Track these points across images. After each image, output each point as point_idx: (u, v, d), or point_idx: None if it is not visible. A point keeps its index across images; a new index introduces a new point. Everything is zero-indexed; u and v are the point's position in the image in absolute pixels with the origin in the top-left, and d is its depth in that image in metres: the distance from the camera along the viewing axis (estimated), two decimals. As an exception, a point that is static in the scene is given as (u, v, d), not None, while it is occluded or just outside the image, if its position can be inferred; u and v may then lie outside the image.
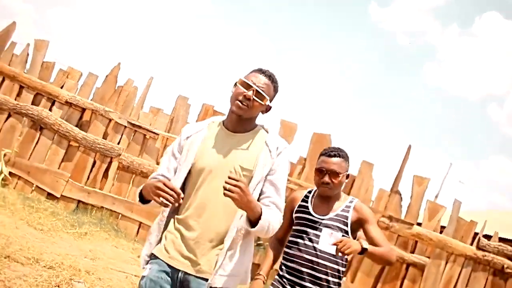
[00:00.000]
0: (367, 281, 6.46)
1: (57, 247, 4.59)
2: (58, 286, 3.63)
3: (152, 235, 2.03)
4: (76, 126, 6.44)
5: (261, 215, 1.81)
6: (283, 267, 2.31)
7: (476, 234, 6.73)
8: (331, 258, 2.20)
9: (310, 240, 2.22)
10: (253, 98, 1.91)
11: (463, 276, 6.55)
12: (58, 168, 6.31)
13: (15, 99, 6.44)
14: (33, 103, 6.43)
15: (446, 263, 6.55)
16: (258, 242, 6.30)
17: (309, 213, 2.30)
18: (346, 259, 2.26)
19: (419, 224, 6.62)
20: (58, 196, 6.19)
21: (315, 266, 2.19)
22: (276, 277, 2.31)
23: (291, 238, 2.32)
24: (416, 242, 6.58)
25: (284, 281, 2.26)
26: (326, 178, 2.26)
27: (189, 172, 1.97)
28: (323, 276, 2.18)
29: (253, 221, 1.82)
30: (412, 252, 6.55)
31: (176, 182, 1.93)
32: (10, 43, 6.72)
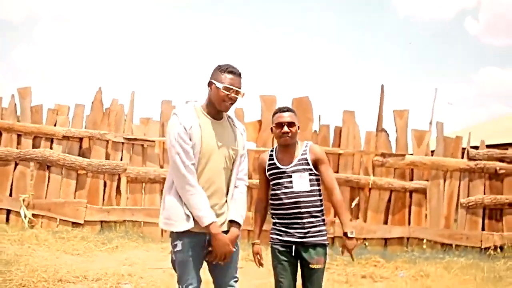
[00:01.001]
0: (378, 217, 6.97)
1: (97, 263, 5.13)
2: (109, 292, 4.17)
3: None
4: (79, 155, 6.93)
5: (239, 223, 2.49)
6: (274, 216, 2.85)
7: (463, 149, 7.22)
8: (308, 193, 2.73)
9: (286, 187, 2.75)
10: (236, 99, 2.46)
11: (462, 188, 7.09)
12: (74, 198, 6.84)
13: (17, 148, 6.94)
14: (34, 147, 6.93)
15: (444, 181, 7.07)
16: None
17: (278, 167, 2.80)
18: (320, 193, 2.79)
19: (411, 155, 7.12)
20: (82, 222, 6.73)
21: (298, 205, 2.72)
22: (272, 225, 2.84)
23: (272, 192, 2.85)
24: (412, 170, 7.09)
25: (277, 226, 2.80)
26: (286, 128, 2.75)
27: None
28: (305, 210, 2.72)
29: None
30: (411, 179, 7.06)
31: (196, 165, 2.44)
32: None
